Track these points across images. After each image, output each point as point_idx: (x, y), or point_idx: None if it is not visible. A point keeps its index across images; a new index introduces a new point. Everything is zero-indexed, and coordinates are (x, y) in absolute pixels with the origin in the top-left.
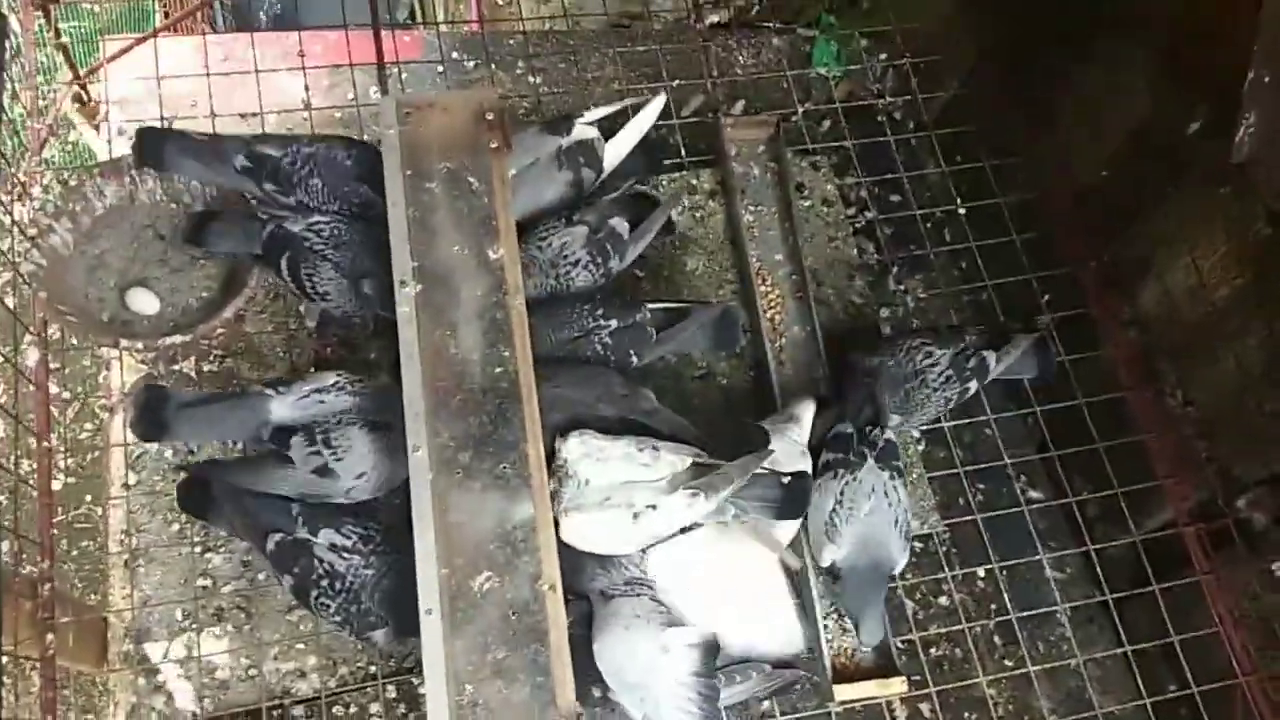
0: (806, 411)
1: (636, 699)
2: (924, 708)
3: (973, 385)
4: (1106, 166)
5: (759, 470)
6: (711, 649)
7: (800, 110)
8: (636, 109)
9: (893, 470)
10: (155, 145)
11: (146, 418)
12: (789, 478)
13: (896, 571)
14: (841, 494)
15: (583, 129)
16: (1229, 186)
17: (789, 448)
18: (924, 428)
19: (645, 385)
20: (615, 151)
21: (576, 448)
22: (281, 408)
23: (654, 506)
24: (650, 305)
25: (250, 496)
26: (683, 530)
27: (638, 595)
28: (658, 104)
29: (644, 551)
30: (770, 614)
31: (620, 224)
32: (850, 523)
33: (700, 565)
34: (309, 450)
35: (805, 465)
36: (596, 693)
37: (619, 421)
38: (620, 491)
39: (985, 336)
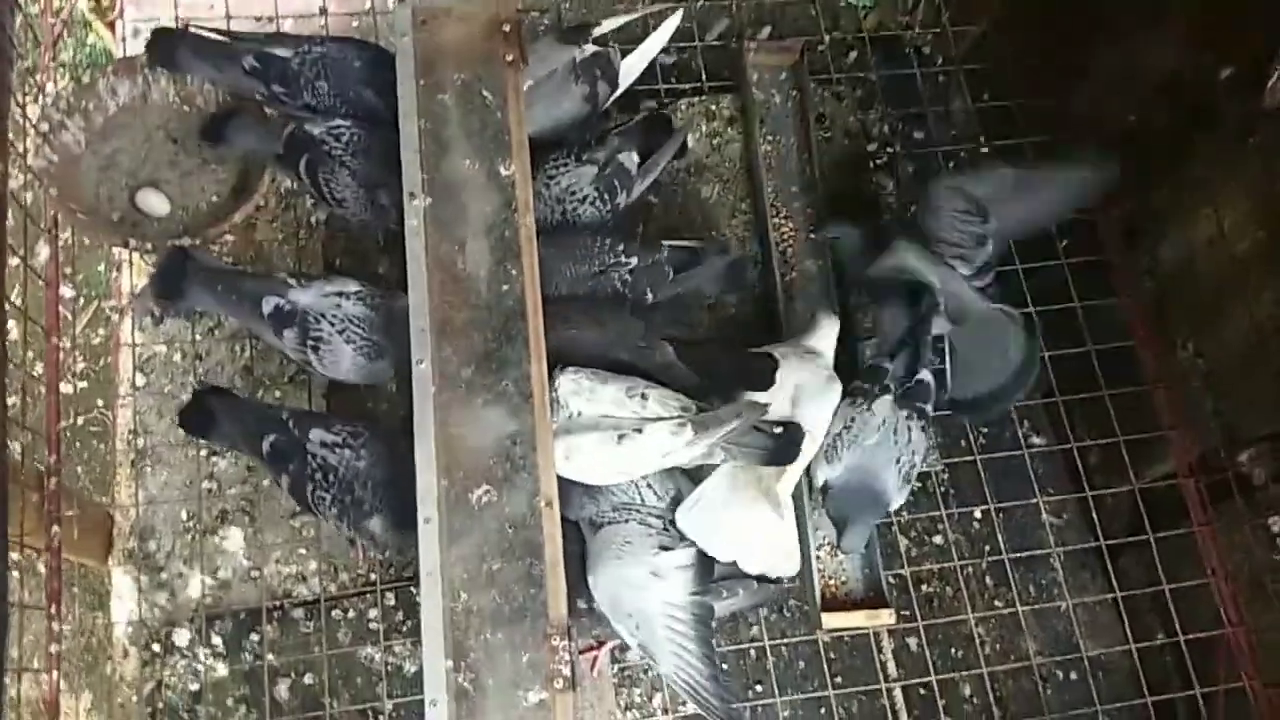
0: (830, 331)
1: (632, 626)
2: (911, 642)
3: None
4: (1134, 112)
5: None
6: (704, 568)
7: (827, 39)
8: (654, 20)
9: (914, 410)
10: (168, 46)
11: (166, 277)
12: (780, 428)
13: (890, 509)
14: (852, 420)
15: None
16: (1257, 138)
17: (815, 375)
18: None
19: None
20: (631, 67)
21: (568, 384)
22: (299, 295)
23: (639, 430)
24: (667, 242)
25: (244, 408)
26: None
27: (625, 521)
28: (674, 20)
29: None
30: (774, 539)
31: (629, 159)
32: (851, 449)
33: (712, 496)
34: (295, 346)
35: (834, 393)
36: (582, 604)
37: (634, 368)
38: (606, 422)
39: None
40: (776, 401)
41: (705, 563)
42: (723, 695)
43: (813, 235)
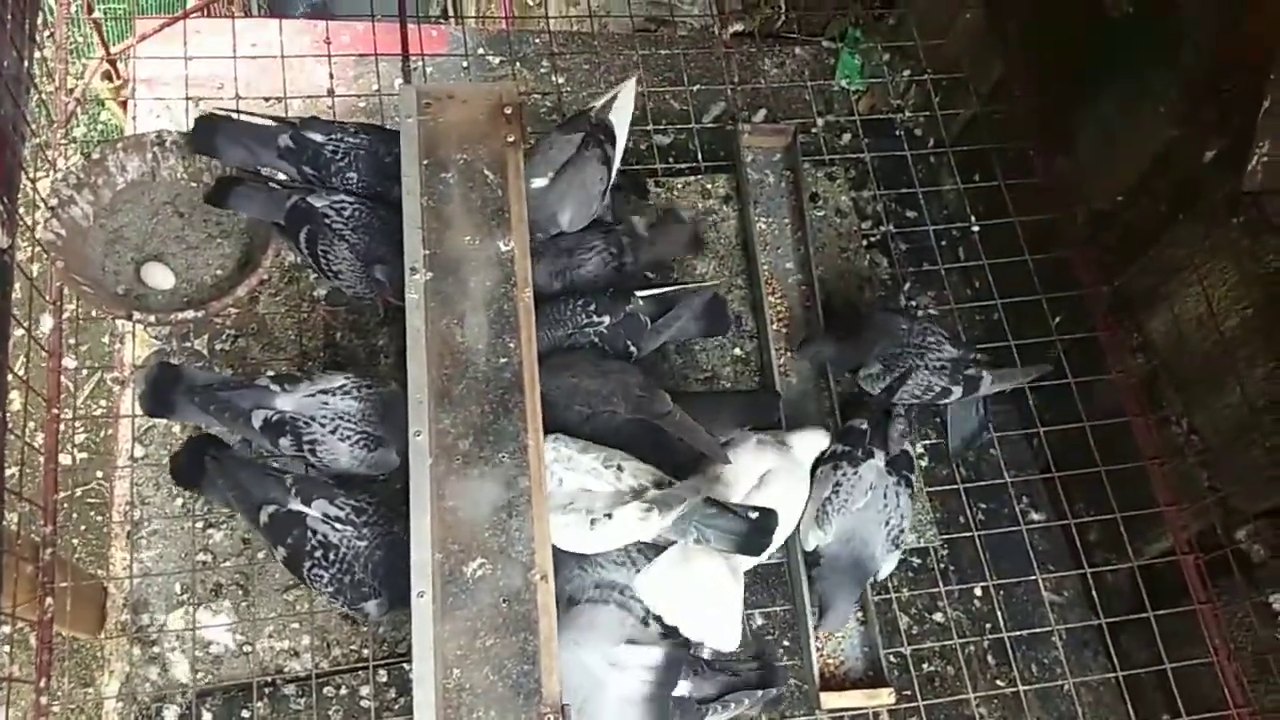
0: (816, 443)
1: (573, 709)
2: None
3: (956, 392)
4: (1122, 192)
5: (726, 503)
6: (671, 673)
7: (820, 122)
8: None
9: (901, 478)
10: (208, 133)
11: (154, 394)
12: (756, 513)
13: (880, 576)
14: (839, 484)
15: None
16: (1242, 216)
17: (788, 466)
18: (927, 443)
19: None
20: (620, 125)
21: (549, 452)
22: (285, 402)
23: (610, 516)
24: (640, 293)
25: (243, 469)
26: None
27: (605, 601)
28: (632, 82)
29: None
30: (720, 612)
31: (639, 222)
32: (841, 513)
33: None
34: (294, 454)
35: (802, 488)
36: None
37: (630, 421)
38: (583, 497)
39: (994, 365)
40: (742, 485)
41: (673, 667)
42: None
43: (793, 354)
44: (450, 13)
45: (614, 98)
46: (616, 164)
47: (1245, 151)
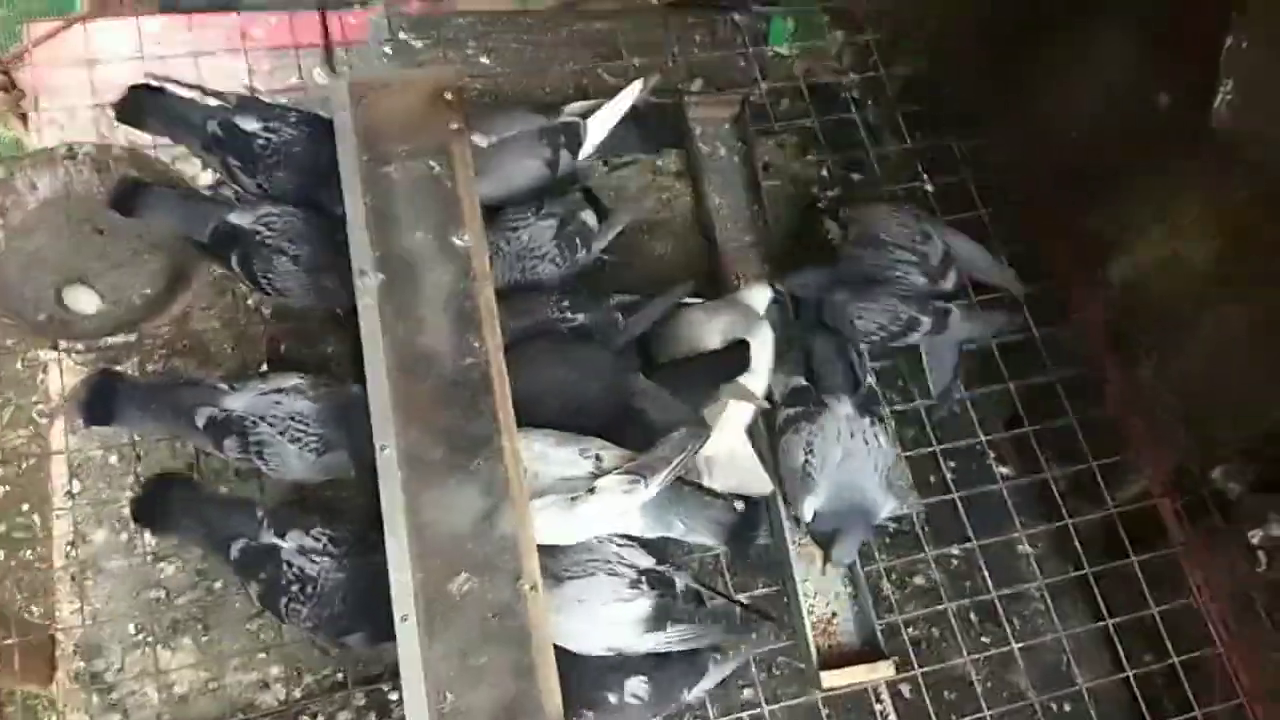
0: (761, 296)
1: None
2: (904, 688)
3: (925, 321)
4: (1079, 137)
5: (715, 495)
6: (660, 623)
7: (762, 88)
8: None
9: (873, 416)
10: (138, 102)
11: (94, 402)
12: (744, 504)
13: (882, 516)
14: (809, 445)
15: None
16: (1206, 153)
17: (744, 314)
18: (896, 408)
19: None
20: (593, 133)
21: (522, 450)
22: (233, 401)
23: (592, 491)
24: (617, 296)
25: (209, 503)
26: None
27: (591, 574)
28: (637, 86)
29: None
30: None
31: (590, 216)
32: (824, 470)
33: None
34: (239, 455)
35: (764, 331)
36: (613, 699)
37: (605, 404)
38: (561, 485)
39: (965, 305)
40: (710, 340)
41: (660, 617)
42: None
43: (777, 290)
44: None
45: (610, 101)
46: (568, 171)
47: (1209, 89)
